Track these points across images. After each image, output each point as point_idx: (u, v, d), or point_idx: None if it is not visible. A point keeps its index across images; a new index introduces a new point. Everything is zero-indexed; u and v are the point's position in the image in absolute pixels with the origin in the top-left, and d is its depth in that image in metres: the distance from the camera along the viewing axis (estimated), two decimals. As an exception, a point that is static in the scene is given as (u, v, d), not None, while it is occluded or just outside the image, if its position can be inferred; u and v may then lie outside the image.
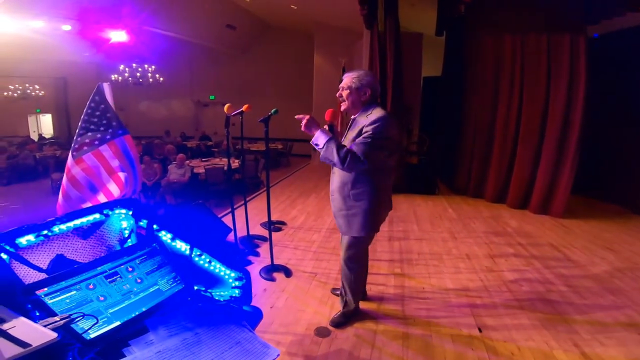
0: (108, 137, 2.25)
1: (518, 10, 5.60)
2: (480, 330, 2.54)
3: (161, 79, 13.03)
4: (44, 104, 15.77)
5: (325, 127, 2.32)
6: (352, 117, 2.35)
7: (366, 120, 2.18)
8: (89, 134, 2.23)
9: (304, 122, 2.19)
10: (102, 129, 2.25)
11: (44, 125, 16.97)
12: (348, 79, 2.28)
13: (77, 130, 2.28)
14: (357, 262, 2.51)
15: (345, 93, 2.29)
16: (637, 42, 5.48)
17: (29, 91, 14.61)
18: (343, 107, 2.33)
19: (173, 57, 13.38)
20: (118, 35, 9.03)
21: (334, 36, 10.11)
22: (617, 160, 6.01)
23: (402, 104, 6.49)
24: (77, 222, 1.29)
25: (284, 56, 13.52)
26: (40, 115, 16.71)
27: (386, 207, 2.47)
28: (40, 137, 15.23)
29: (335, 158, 2.09)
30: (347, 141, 2.25)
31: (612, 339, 2.45)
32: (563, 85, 5.18)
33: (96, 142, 2.22)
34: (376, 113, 2.17)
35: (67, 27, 8.41)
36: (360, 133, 2.16)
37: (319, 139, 2.16)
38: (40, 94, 14.95)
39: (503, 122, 5.91)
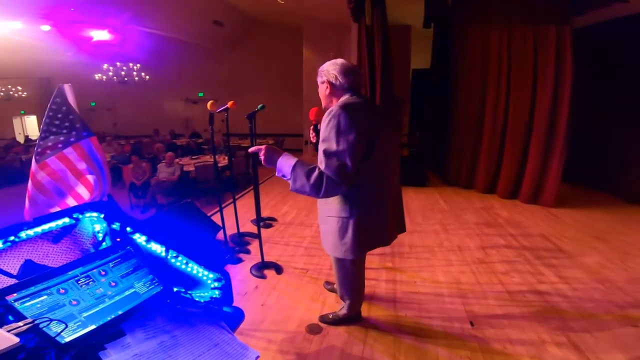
0: (72, 139, 2.17)
1: (505, 1, 5.58)
2: (472, 324, 2.52)
3: (147, 77, 12.86)
4: (28, 105, 15.55)
5: (312, 127, 2.20)
6: None
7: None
8: (52, 137, 2.15)
9: (262, 157, 1.77)
10: (65, 131, 2.17)
11: (30, 126, 16.73)
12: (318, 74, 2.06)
13: (39, 134, 2.20)
14: (342, 283, 2.31)
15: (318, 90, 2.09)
16: (625, 32, 5.50)
17: (11, 92, 14.35)
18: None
19: (160, 55, 13.20)
20: (100, 34, 8.88)
21: (322, 30, 10.04)
22: (607, 149, 6.04)
23: (392, 97, 6.46)
24: (46, 227, 1.24)
25: (273, 51, 13.42)
26: (25, 116, 16.45)
27: (379, 229, 2.06)
28: (27, 139, 15.00)
29: (307, 188, 1.70)
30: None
31: (603, 330, 2.43)
32: (550, 75, 5.18)
33: (60, 145, 2.14)
34: (333, 108, 1.82)
35: (46, 28, 8.22)
36: None
37: (283, 168, 1.74)
38: (24, 95, 14.70)
39: (492, 113, 5.91)
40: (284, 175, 1.77)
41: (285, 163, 1.74)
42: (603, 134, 6.08)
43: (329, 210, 2.00)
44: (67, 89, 2.27)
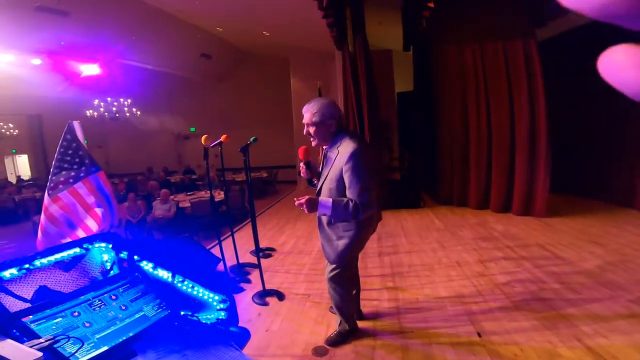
0: (82, 174, 2.31)
1: (475, 20, 5.87)
2: (479, 335, 2.52)
3: (138, 112, 12.93)
4: (19, 143, 15.19)
5: (302, 165, 2.34)
6: (324, 149, 2.30)
7: (339, 155, 2.15)
8: (63, 172, 2.30)
9: (305, 208, 2.10)
10: (75, 167, 2.32)
11: (21, 166, 16.47)
12: (309, 114, 2.21)
13: (51, 170, 2.35)
14: (340, 283, 2.41)
15: (312, 130, 2.21)
16: (589, 38, 5.73)
17: (3, 130, 14.18)
18: (314, 143, 2.27)
19: (150, 90, 13.22)
20: (90, 69, 9.00)
21: (308, 59, 10.31)
22: (593, 155, 6.15)
23: (379, 121, 6.60)
24: (58, 256, 1.30)
25: (261, 82, 13.51)
26: (17, 156, 16.22)
27: (372, 226, 2.45)
28: (19, 179, 14.77)
29: (349, 217, 2.11)
30: (328, 181, 2.21)
31: (615, 331, 2.42)
32: (524, 88, 5.40)
33: (71, 180, 2.28)
34: (346, 146, 2.12)
35: (36, 61, 8.34)
36: (341, 172, 2.12)
37: (324, 210, 2.13)
38: (15, 132, 14.51)
39: (475, 130, 6.07)
40: (325, 214, 2.16)
41: (325, 206, 2.10)
42: (587, 141, 6.22)
43: (349, 224, 2.25)
44: (77, 125, 2.43)
